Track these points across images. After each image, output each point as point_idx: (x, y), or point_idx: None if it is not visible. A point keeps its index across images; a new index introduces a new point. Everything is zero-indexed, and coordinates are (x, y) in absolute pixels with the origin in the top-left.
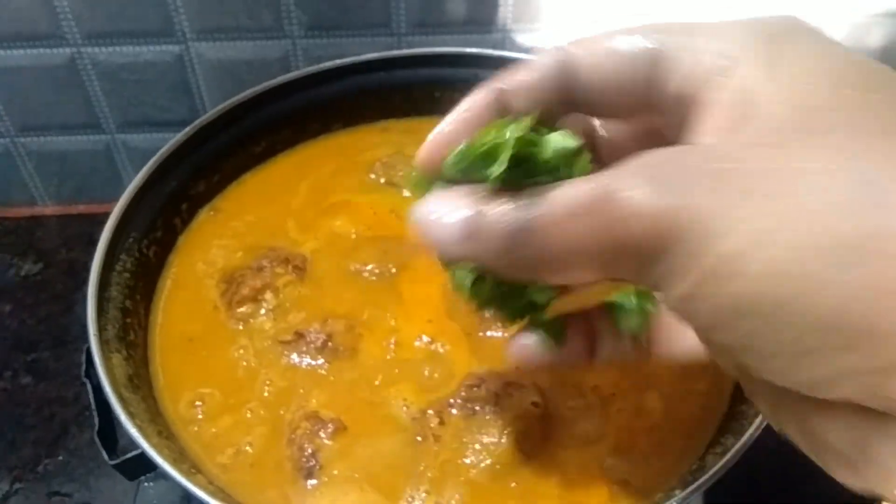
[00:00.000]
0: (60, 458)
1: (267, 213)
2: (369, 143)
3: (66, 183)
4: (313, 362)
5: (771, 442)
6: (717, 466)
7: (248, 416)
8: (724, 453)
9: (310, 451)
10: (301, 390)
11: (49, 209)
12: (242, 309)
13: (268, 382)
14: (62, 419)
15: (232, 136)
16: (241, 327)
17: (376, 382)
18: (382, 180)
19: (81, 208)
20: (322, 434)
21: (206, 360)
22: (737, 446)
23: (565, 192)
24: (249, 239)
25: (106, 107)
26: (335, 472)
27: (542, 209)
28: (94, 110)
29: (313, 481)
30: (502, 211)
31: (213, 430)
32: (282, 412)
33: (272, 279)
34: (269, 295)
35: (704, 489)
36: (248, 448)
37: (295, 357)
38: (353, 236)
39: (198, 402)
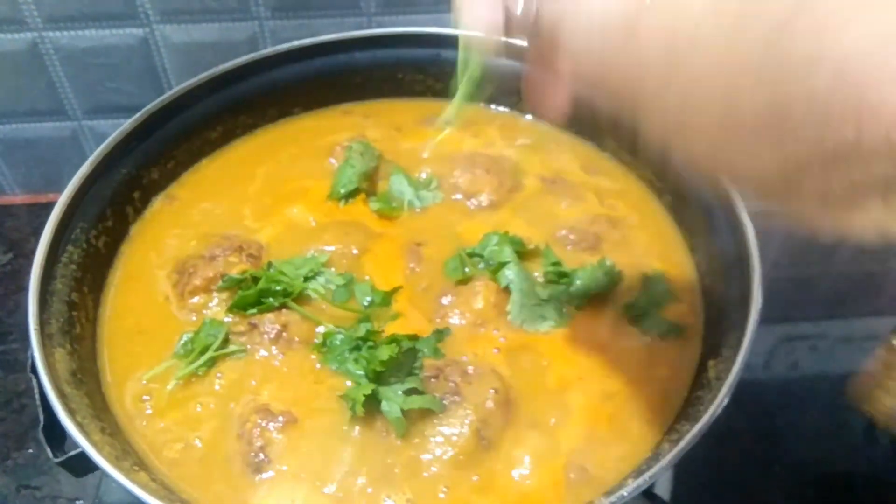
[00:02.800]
0: (30, 450)
1: (223, 200)
2: (330, 126)
3: (34, 171)
4: (266, 353)
5: (740, 422)
6: (670, 455)
7: (198, 409)
8: (678, 440)
9: (259, 444)
10: (253, 382)
11: (18, 198)
12: (195, 300)
13: (219, 375)
14: (32, 412)
15: (186, 121)
16: (193, 318)
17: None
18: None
19: (52, 197)
20: (272, 427)
21: (155, 353)
22: (692, 433)
23: None
24: (204, 227)
25: (71, 92)
26: (284, 467)
27: None
28: (58, 96)
29: (262, 476)
30: None
31: (161, 424)
32: (232, 406)
33: (225, 268)
34: (219, 283)
35: (660, 475)
36: (196, 443)
37: (248, 349)
38: (312, 223)
39: (145, 397)
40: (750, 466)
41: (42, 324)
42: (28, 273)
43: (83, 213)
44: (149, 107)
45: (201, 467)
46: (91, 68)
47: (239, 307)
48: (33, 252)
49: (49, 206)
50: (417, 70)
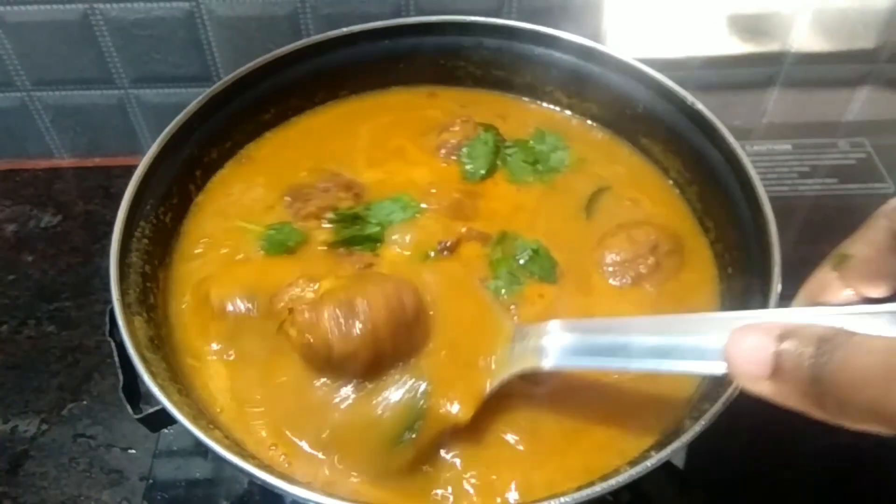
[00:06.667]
0: (85, 402)
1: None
2: (417, 103)
3: (81, 136)
4: None
5: (748, 404)
6: (692, 431)
7: None
8: (698, 418)
9: None
10: None
11: (66, 161)
12: (307, 223)
13: None
14: (85, 366)
15: (241, 104)
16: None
17: None
18: None
19: (97, 161)
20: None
21: None
22: (711, 411)
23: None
24: (311, 162)
25: (119, 62)
26: None
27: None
28: (107, 65)
29: None
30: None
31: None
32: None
33: (335, 201)
34: (330, 214)
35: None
36: None
37: None
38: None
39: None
40: (761, 436)
41: (122, 293)
42: (77, 235)
43: (152, 191)
44: (207, 92)
45: None
46: (138, 39)
47: (335, 245)
48: (81, 215)
49: (95, 170)
50: (459, 57)
